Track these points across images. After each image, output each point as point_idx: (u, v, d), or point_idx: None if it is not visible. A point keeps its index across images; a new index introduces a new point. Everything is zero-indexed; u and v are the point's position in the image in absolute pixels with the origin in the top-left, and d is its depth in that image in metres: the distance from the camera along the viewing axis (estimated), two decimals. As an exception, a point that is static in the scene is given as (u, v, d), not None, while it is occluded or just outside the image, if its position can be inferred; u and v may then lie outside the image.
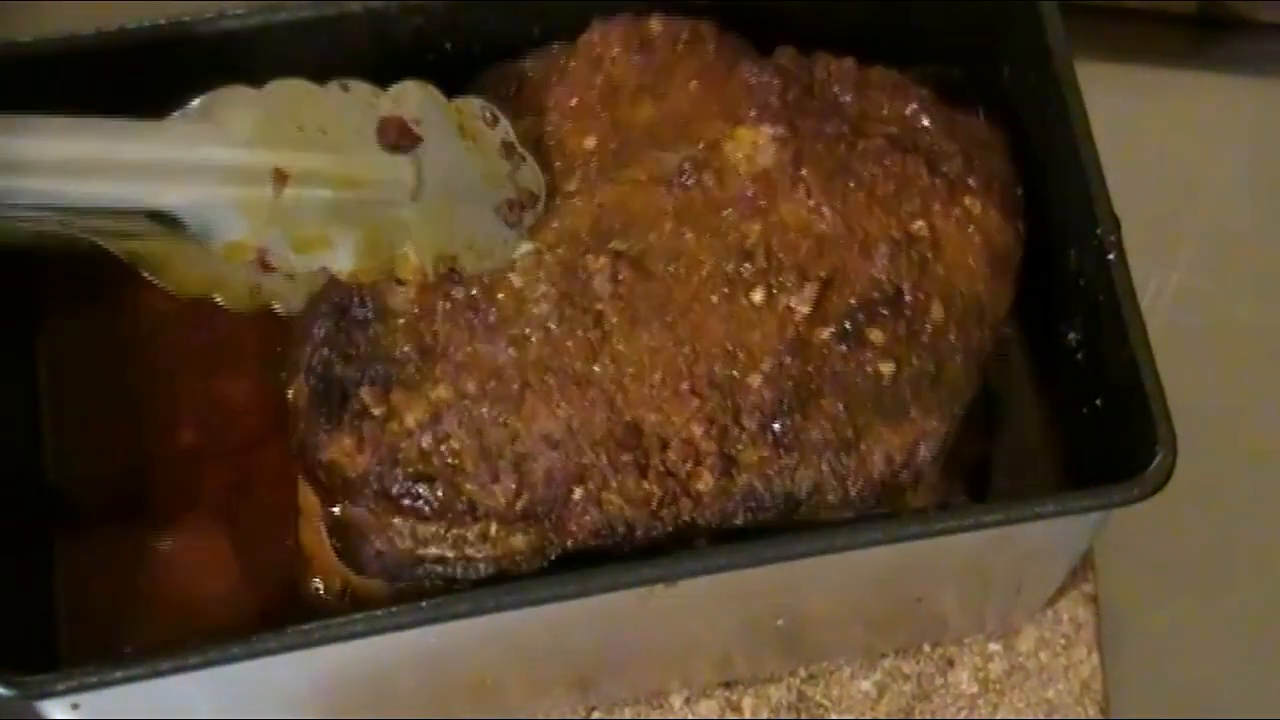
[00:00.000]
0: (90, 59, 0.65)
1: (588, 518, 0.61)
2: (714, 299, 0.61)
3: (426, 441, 0.61)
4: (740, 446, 0.61)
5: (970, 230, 0.63)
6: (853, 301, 0.62)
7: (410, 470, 0.61)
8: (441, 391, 0.61)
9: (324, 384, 0.62)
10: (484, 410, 0.61)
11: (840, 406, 0.61)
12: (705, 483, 0.61)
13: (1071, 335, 0.66)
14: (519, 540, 0.61)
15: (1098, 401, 0.65)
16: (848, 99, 0.65)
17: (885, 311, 0.62)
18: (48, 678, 0.58)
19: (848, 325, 0.61)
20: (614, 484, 0.60)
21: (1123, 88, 0.81)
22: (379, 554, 0.62)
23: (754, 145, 0.63)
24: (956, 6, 0.69)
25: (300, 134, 0.59)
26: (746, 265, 0.62)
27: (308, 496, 0.64)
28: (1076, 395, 0.66)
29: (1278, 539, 0.76)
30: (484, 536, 0.61)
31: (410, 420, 0.61)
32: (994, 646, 0.73)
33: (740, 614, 0.66)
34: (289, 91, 0.59)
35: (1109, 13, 0.83)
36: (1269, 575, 0.76)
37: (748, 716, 0.71)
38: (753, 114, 0.64)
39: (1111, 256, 0.63)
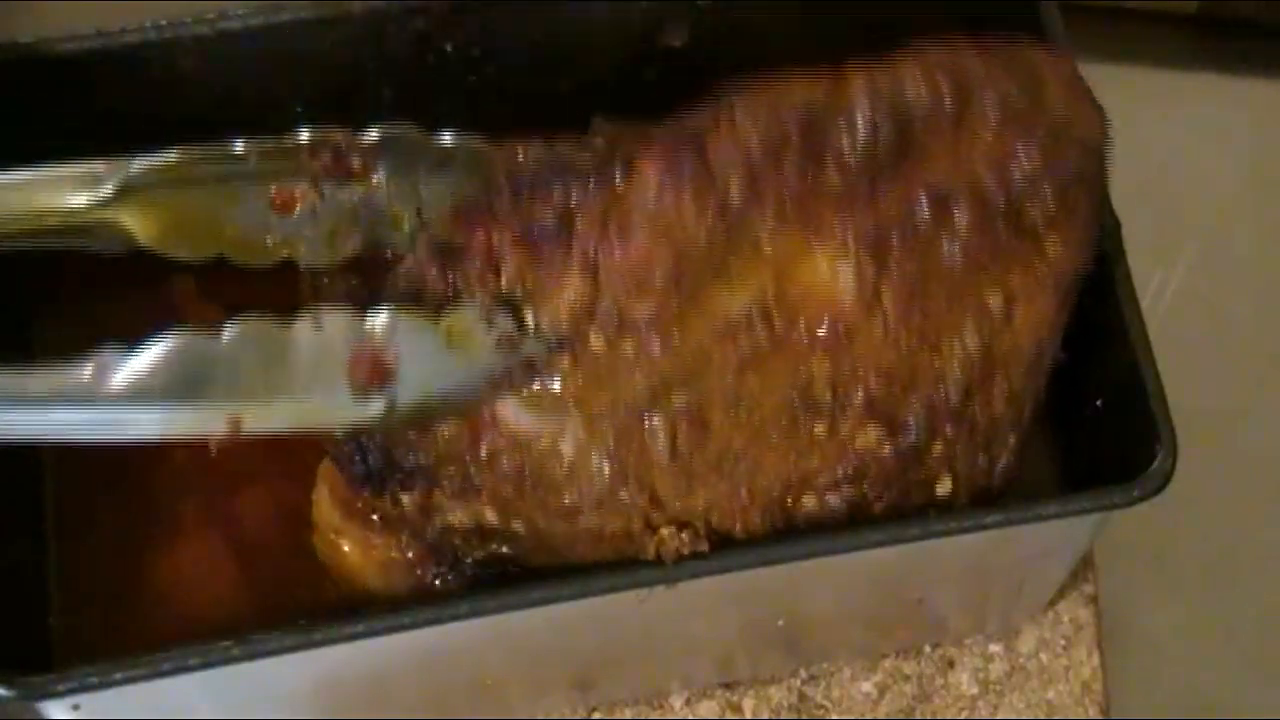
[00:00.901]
0: (90, 59, 0.65)
1: None
2: (774, 437, 0.59)
3: (472, 541, 0.60)
4: None
5: (1046, 276, 0.60)
6: (919, 414, 0.60)
7: (445, 547, 0.61)
8: (488, 515, 0.60)
9: (359, 455, 0.60)
10: (529, 547, 0.60)
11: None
12: None
13: (1072, 336, 0.66)
14: None
15: (1098, 402, 0.65)
16: (944, 134, 0.59)
17: (949, 423, 0.60)
18: (48, 678, 0.57)
19: (912, 443, 0.60)
20: None
21: (1123, 88, 0.80)
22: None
23: (833, 277, 0.59)
24: (956, 7, 0.69)
25: (260, 386, 0.56)
26: (811, 404, 0.59)
27: (321, 511, 0.64)
28: (1076, 396, 0.66)
29: (1278, 540, 0.76)
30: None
31: (453, 520, 0.60)
32: (994, 647, 0.73)
33: (741, 615, 0.66)
34: (250, 339, 0.56)
35: (1109, 13, 0.83)
36: (1270, 576, 0.76)
37: (748, 717, 0.71)
38: (836, 235, 0.58)
39: (1111, 257, 0.63)
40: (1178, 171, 0.81)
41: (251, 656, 0.58)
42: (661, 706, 0.72)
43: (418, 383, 0.57)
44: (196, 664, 0.58)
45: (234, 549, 0.67)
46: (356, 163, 0.61)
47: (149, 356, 0.56)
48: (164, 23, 0.65)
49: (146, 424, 0.56)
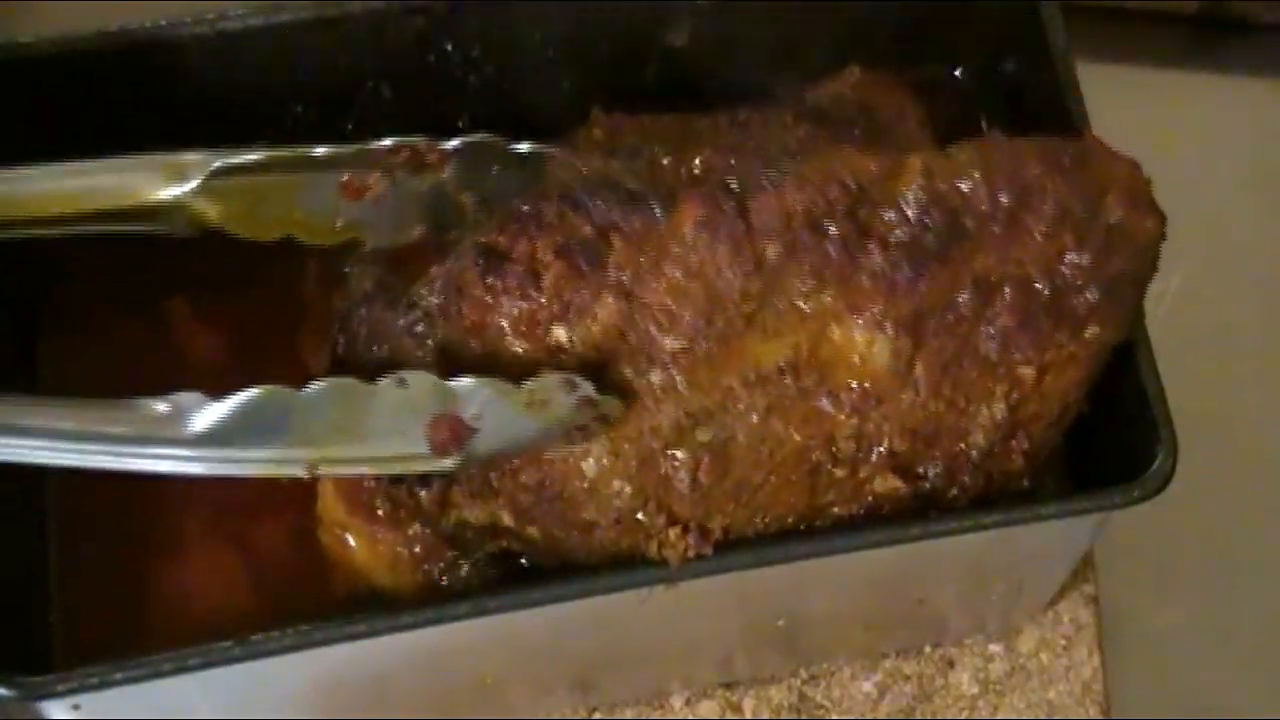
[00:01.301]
0: (90, 59, 0.65)
1: None
2: (793, 476, 0.59)
3: (485, 537, 0.61)
4: None
5: (1081, 354, 0.60)
6: (939, 468, 0.60)
7: (459, 539, 0.61)
8: (505, 518, 0.60)
9: None
10: (541, 550, 0.60)
11: None
12: None
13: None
14: None
15: (1099, 403, 0.65)
16: (996, 231, 0.58)
17: (966, 475, 0.60)
18: (49, 678, 0.57)
19: (928, 488, 0.60)
20: None
21: (1123, 89, 0.81)
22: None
23: (868, 347, 0.59)
24: (957, 7, 0.69)
25: (339, 434, 0.57)
26: (833, 453, 0.59)
27: (326, 505, 0.64)
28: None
29: (1278, 540, 0.76)
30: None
31: (469, 517, 0.60)
32: (995, 647, 0.73)
33: (741, 615, 0.66)
34: (334, 394, 0.57)
35: (1109, 13, 0.83)
36: (1269, 576, 0.76)
37: (748, 717, 0.71)
38: (875, 309, 0.58)
39: (1112, 258, 0.63)
40: (1178, 172, 0.81)
41: (251, 656, 0.58)
42: (662, 706, 0.72)
43: (494, 440, 0.58)
44: (196, 664, 0.58)
45: (235, 547, 0.67)
46: (432, 157, 0.62)
47: (233, 402, 0.56)
48: (164, 23, 0.65)
49: (225, 465, 0.57)
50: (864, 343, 0.58)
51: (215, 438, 0.56)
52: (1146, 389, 0.61)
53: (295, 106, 0.68)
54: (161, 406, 0.56)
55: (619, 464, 0.59)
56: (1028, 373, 0.60)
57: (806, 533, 0.60)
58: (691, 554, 0.59)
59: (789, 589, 0.64)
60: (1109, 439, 0.64)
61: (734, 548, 0.60)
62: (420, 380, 0.57)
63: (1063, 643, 0.73)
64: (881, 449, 0.59)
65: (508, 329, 0.58)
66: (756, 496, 0.59)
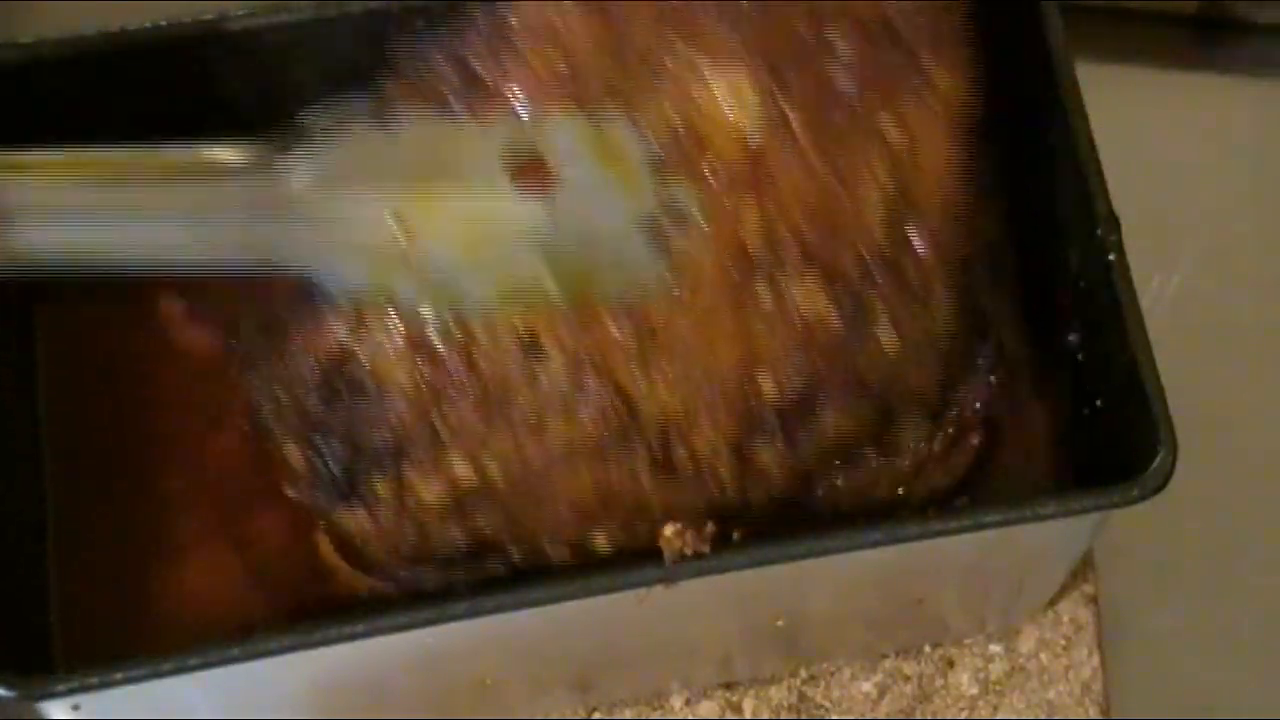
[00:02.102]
0: (90, 59, 0.65)
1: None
2: (720, 314, 0.59)
3: (454, 529, 0.60)
4: (757, 448, 0.60)
5: (938, 108, 0.61)
6: (850, 258, 0.59)
7: (438, 555, 0.61)
8: (460, 470, 0.59)
9: (324, 463, 0.60)
10: (511, 497, 0.60)
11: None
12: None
13: (1072, 336, 0.66)
14: None
15: (1098, 402, 0.65)
16: None
17: (880, 272, 0.60)
18: (48, 678, 0.58)
19: (851, 292, 0.60)
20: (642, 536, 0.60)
21: (1123, 88, 0.81)
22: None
23: (735, 95, 0.59)
24: (955, 6, 0.69)
25: (427, 182, 0.57)
26: (748, 262, 0.59)
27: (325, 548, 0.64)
28: (1077, 396, 0.66)
29: (1278, 540, 0.76)
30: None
31: (429, 497, 0.60)
32: (995, 647, 0.73)
33: (740, 615, 0.66)
34: (417, 134, 0.58)
35: (1109, 13, 0.83)
36: (1270, 576, 0.76)
37: (748, 717, 0.71)
38: (730, 45, 0.59)
39: (1111, 257, 0.63)
40: (1178, 171, 0.81)
41: (251, 656, 0.58)
42: (661, 707, 0.72)
43: (579, 196, 0.58)
44: (196, 664, 0.58)
45: (235, 546, 0.67)
46: None
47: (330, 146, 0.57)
48: (164, 23, 0.65)
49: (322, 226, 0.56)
50: (729, 90, 0.59)
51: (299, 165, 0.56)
52: (1146, 388, 0.61)
53: (295, 107, 0.68)
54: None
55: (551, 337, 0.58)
56: (896, 136, 0.60)
57: (805, 532, 0.60)
58: (689, 551, 0.59)
59: (788, 589, 0.64)
60: (1109, 438, 0.64)
61: (732, 548, 0.60)
62: (499, 121, 0.58)
63: (1063, 643, 0.73)
64: (792, 243, 0.59)
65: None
66: (691, 349, 0.59)
